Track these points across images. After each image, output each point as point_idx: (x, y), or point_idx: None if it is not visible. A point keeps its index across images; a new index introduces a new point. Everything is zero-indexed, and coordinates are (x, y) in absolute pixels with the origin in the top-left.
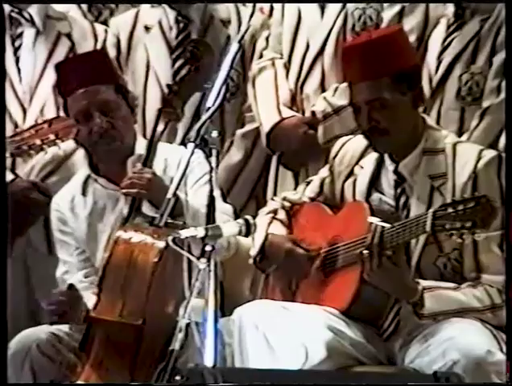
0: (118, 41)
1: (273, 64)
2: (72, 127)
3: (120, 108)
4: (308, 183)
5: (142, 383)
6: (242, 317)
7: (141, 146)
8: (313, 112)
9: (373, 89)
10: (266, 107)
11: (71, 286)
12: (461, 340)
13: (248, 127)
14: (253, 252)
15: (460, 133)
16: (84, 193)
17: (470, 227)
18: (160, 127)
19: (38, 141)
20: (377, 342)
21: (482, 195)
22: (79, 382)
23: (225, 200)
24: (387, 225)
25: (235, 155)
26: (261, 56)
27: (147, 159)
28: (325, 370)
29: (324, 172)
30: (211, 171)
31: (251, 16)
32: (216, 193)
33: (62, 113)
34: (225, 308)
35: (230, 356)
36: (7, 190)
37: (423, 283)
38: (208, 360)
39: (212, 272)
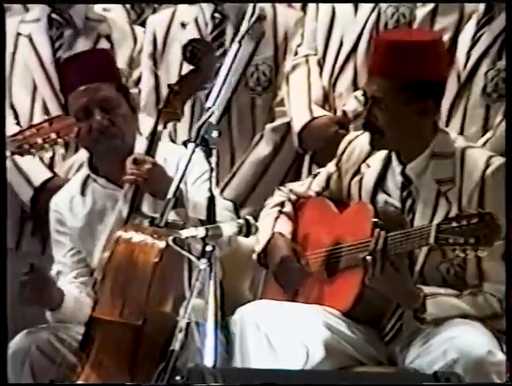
0: (155, 38)
1: (307, 61)
2: (73, 125)
3: (121, 107)
4: (315, 176)
5: (142, 383)
6: (243, 317)
7: (141, 146)
8: (344, 112)
9: (383, 88)
10: (298, 106)
11: (32, 266)
12: (462, 340)
13: (277, 121)
14: (259, 248)
15: (484, 130)
16: (83, 193)
17: (473, 244)
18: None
19: (39, 140)
20: (378, 344)
21: (487, 211)
22: (79, 382)
23: (249, 194)
24: (391, 231)
25: (264, 149)
26: (296, 53)
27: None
28: (325, 370)
29: (331, 167)
30: (211, 171)
31: (251, 16)
32: (216, 192)
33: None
34: (225, 308)
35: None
36: (5, 189)
37: (425, 290)
38: (208, 360)
39: (213, 272)
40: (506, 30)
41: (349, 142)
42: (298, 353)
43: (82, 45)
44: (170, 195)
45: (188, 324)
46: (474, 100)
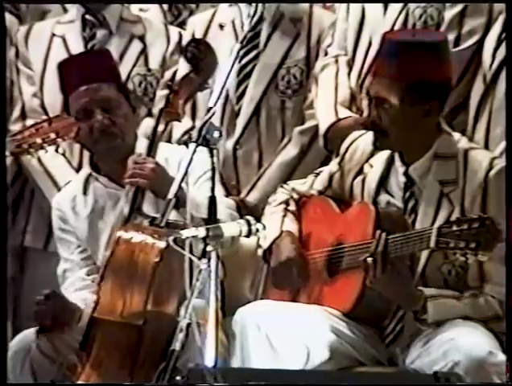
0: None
1: (336, 62)
2: (72, 125)
3: (121, 107)
4: (317, 175)
5: (143, 383)
6: (244, 317)
7: (142, 145)
8: (369, 114)
9: (388, 88)
10: (325, 106)
11: (48, 295)
12: (462, 341)
13: (306, 124)
14: (266, 244)
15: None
16: (85, 192)
17: (474, 249)
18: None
19: (38, 140)
20: (379, 344)
21: (487, 216)
22: (79, 382)
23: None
24: (393, 232)
25: (291, 151)
26: (326, 54)
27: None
28: (326, 370)
29: (333, 166)
30: (213, 171)
31: (253, 16)
32: (218, 191)
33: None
34: (225, 308)
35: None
36: (6, 189)
37: (426, 291)
38: (209, 360)
39: (213, 272)
40: (506, 30)
41: (352, 142)
42: (298, 353)
43: (115, 45)
44: (171, 195)
45: (189, 324)
46: (499, 102)
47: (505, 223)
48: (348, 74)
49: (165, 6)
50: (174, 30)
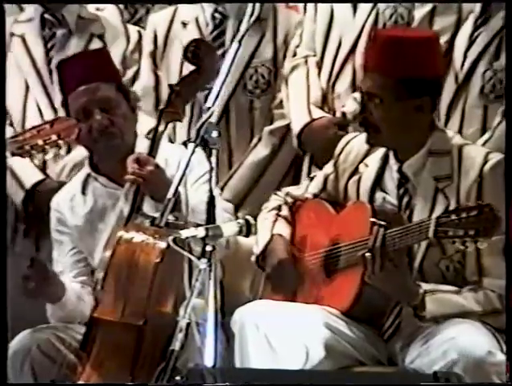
0: (155, 36)
1: (306, 62)
2: (73, 127)
3: (120, 106)
4: (312, 179)
5: (143, 383)
6: (243, 317)
7: (141, 145)
8: (343, 113)
9: (379, 84)
10: (297, 107)
11: (33, 258)
12: (462, 340)
13: (276, 124)
14: (257, 250)
15: (482, 131)
16: (84, 192)
17: (473, 236)
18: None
19: (40, 142)
20: (378, 343)
21: (486, 203)
22: (79, 382)
23: (246, 197)
24: (389, 228)
25: (262, 151)
26: (294, 54)
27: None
28: (325, 370)
29: (328, 168)
30: (211, 171)
31: (251, 16)
32: (216, 192)
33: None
34: (225, 308)
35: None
36: (5, 189)
37: (424, 286)
38: (208, 360)
39: (213, 272)
40: (506, 30)
41: (347, 143)
42: (297, 353)
43: (75, 45)
44: (170, 195)
45: (188, 324)
46: (472, 101)
47: (504, 213)
48: (318, 75)
49: (121, 5)
50: (133, 29)
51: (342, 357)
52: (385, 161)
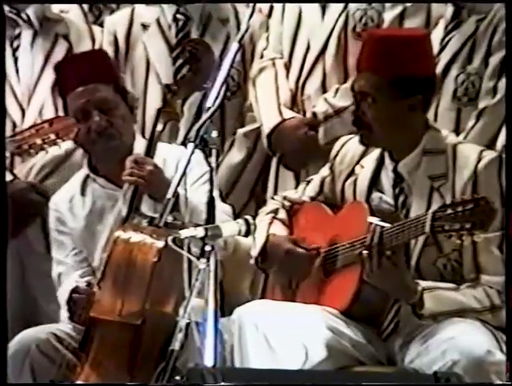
0: (116, 39)
1: (273, 64)
2: (72, 127)
3: (118, 107)
4: (309, 182)
5: (142, 383)
6: (242, 317)
7: (140, 146)
8: (314, 114)
9: (371, 83)
10: (267, 108)
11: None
12: (461, 340)
13: (249, 127)
14: (255, 252)
15: (456, 134)
16: (82, 193)
17: (469, 229)
18: (159, 127)
19: (38, 141)
20: (377, 342)
21: (481, 196)
22: (79, 382)
23: (224, 200)
24: (386, 225)
25: (236, 155)
26: (261, 56)
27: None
28: (325, 370)
29: (324, 171)
30: (211, 171)
31: (251, 16)
32: (216, 193)
33: (61, 113)
34: (224, 308)
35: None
36: (5, 189)
37: (423, 284)
38: (208, 360)
39: (212, 272)
40: (507, 30)
41: (342, 145)
42: (297, 353)
43: (40, 45)
44: (169, 195)
45: (188, 324)
46: (445, 104)
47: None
48: (287, 76)
49: (85, 7)
50: (97, 30)
51: (342, 357)
52: (380, 161)
